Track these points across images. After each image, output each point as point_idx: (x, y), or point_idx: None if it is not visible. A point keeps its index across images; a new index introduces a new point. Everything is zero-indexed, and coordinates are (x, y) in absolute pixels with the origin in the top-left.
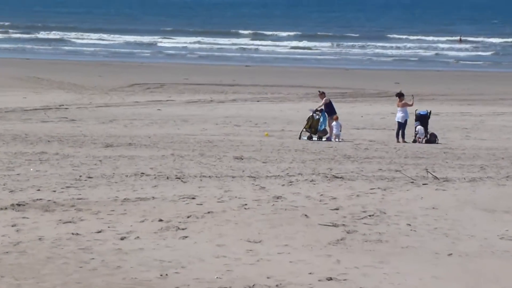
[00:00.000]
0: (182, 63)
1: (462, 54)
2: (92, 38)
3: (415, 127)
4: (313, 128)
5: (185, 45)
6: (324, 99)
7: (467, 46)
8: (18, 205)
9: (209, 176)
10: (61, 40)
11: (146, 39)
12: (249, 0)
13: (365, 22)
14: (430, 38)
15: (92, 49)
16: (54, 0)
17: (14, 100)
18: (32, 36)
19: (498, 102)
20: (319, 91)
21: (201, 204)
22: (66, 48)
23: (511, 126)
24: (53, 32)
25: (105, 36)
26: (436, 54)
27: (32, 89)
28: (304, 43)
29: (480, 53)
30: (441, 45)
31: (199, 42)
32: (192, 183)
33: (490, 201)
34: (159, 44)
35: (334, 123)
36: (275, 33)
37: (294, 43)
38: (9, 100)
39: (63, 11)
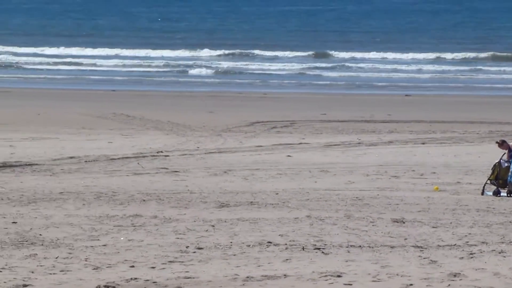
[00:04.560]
0: (317, 92)
1: None
2: (200, 59)
3: None
4: (501, 179)
5: (320, 72)
6: (511, 145)
7: None
8: (106, 287)
9: (359, 246)
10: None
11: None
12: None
13: None
14: None
15: (197, 75)
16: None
17: (97, 146)
18: (123, 61)
19: None
20: (498, 141)
21: (350, 285)
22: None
23: None
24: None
25: (215, 54)
26: None
27: (120, 130)
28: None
29: None
30: None
31: (342, 67)
32: (336, 255)
33: None
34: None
35: None
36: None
37: (480, 66)
38: (90, 146)
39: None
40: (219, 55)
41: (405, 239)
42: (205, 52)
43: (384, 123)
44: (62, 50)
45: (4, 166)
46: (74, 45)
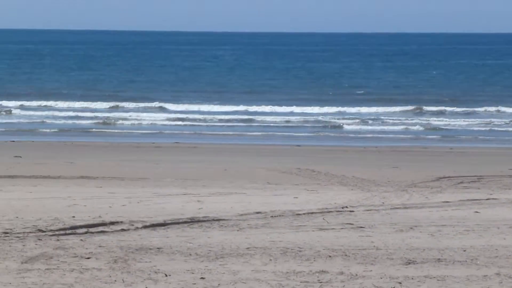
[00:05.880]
0: (504, 147)
1: None
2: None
3: None
4: None
5: (506, 127)
6: None
7: None
8: None
9: None
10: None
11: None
12: None
13: None
14: None
15: (380, 130)
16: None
17: (283, 201)
18: (305, 118)
19: None
20: None
21: None
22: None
23: None
24: (328, 107)
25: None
26: None
27: (305, 185)
28: None
29: None
30: None
31: None
32: None
33: None
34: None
35: None
36: None
37: None
38: (276, 201)
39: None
40: (403, 111)
41: None
42: (390, 108)
43: None
44: (230, 107)
45: (192, 221)
46: (240, 101)
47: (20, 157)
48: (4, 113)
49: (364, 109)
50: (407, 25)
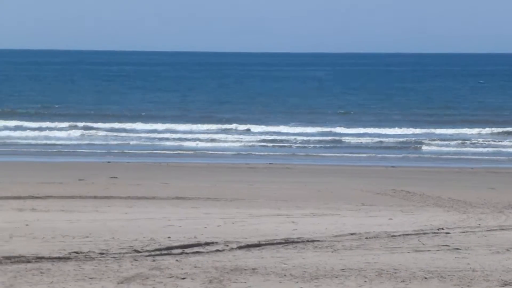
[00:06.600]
0: None
1: None
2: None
3: None
4: None
5: None
6: None
7: None
8: None
9: None
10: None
11: None
12: None
13: None
14: None
15: (477, 152)
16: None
17: (377, 223)
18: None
19: None
20: None
21: None
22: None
23: None
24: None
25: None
26: None
27: (400, 207)
28: None
29: None
30: None
31: None
32: None
33: None
34: None
35: None
36: None
37: None
38: (370, 222)
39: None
40: (496, 132)
41: None
42: (483, 129)
43: None
44: (321, 128)
45: (287, 242)
46: (332, 122)
47: (116, 177)
48: (99, 134)
49: (456, 130)
50: (495, 46)
